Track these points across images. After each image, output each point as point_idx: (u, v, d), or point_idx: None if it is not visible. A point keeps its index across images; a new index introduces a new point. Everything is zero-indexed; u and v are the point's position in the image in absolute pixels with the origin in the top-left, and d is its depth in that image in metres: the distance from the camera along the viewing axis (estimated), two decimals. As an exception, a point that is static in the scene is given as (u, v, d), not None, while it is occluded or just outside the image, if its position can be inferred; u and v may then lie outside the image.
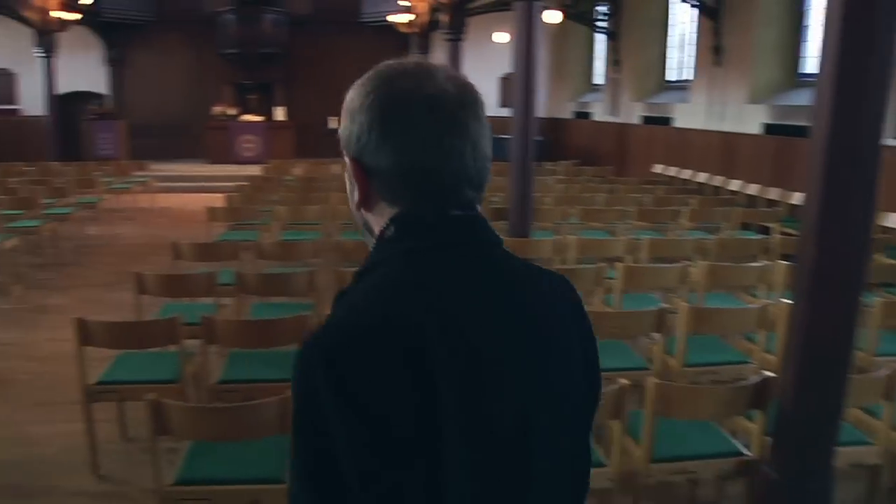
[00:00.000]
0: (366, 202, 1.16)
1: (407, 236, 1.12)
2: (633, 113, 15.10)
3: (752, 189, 11.00)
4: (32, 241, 9.25)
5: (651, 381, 3.09)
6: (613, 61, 15.68)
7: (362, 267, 1.16)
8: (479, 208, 1.18)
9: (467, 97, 1.15)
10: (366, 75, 1.16)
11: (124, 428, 4.44)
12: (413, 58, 1.17)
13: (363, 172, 1.14)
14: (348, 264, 6.02)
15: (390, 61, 1.16)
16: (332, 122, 19.43)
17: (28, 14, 15.35)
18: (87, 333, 3.91)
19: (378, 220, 1.16)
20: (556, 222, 8.41)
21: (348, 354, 1.02)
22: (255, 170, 14.78)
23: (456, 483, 1.03)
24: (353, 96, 1.15)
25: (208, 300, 5.13)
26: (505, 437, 1.09)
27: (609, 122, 16.02)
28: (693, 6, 12.36)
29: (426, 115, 1.10)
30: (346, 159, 1.16)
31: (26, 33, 16.58)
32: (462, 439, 1.04)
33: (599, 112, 16.72)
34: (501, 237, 1.19)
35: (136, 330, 4.16)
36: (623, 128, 15.46)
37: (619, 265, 5.41)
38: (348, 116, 1.15)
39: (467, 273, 1.11)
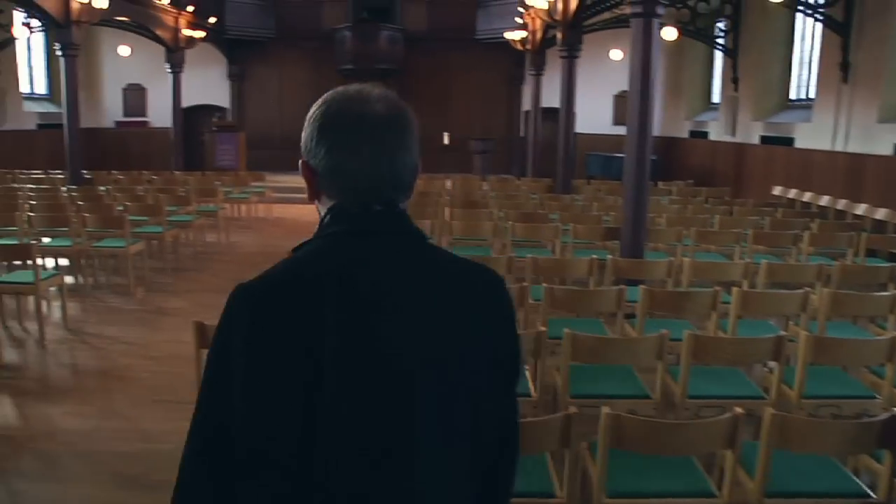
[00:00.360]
0: (316, 195, 1.45)
1: (336, 223, 1.39)
2: (751, 132, 14.62)
3: (881, 214, 10.40)
4: (155, 246, 9.71)
5: (768, 412, 2.95)
6: (732, 79, 15.24)
7: (300, 243, 1.43)
8: (404, 206, 1.44)
9: (393, 118, 1.40)
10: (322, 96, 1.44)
11: (235, 430, 4.57)
12: (360, 85, 1.44)
13: (310, 172, 1.42)
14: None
15: (341, 87, 1.43)
16: (447, 138, 19.61)
17: (160, 32, 16.23)
18: (205, 336, 4.05)
19: (323, 210, 1.45)
20: (669, 244, 8.22)
21: (262, 296, 1.32)
22: (368, 183, 15.06)
23: (329, 426, 1.27)
24: (309, 113, 1.42)
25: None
26: (384, 393, 1.30)
27: (726, 142, 15.56)
28: (818, 21, 11.89)
29: (352, 130, 1.37)
30: (300, 161, 1.44)
31: (157, 50, 17.53)
32: (339, 387, 1.27)
33: (716, 131, 16.27)
34: (423, 232, 1.45)
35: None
36: (741, 148, 14.99)
37: (735, 290, 5.21)
38: (304, 128, 1.42)
39: (376, 252, 1.36)
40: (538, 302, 5.29)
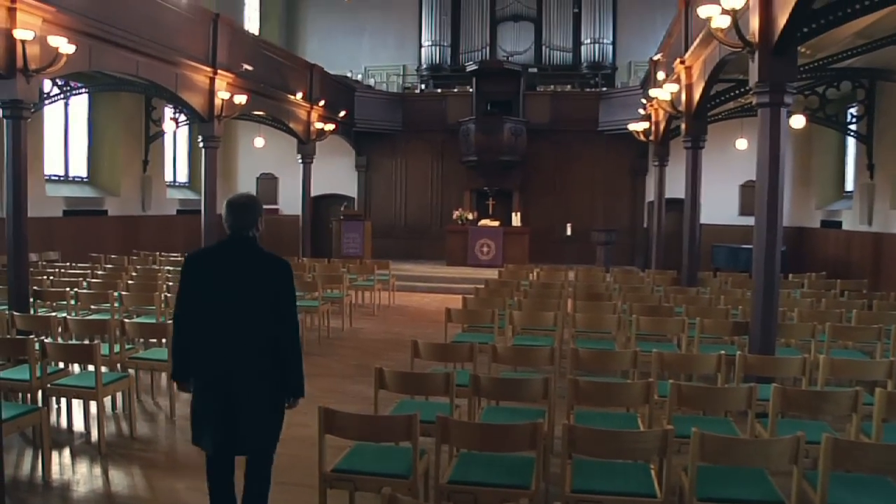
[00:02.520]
0: (225, 229, 3.99)
1: (226, 238, 4.00)
2: (891, 221, 13.91)
3: None
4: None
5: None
6: (867, 166, 14.66)
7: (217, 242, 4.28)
8: (251, 233, 3.98)
9: (244, 204, 3.98)
10: None
11: (354, 517, 4.58)
12: (241, 192, 4.15)
13: (223, 220, 3.99)
14: (581, 373, 5.92)
15: (234, 194, 4.11)
16: (569, 229, 19.60)
17: (294, 125, 17.16)
18: (329, 422, 4.13)
19: None
20: (802, 339, 7.84)
21: (190, 257, 4.07)
22: (491, 273, 15.13)
23: (200, 321, 3.96)
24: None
25: (443, 399, 5.23)
26: (218, 311, 3.91)
27: (862, 232, 14.87)
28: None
29: (229, 208, 3.96)
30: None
31: (289, 142, 18.55)
32: (203, 303, 3.94)
33: (850, 220, 15.60)
34: (255, 242, 4.01)
35: (376, 423, 4.33)
36: (879, 237, 14.27)
37: (878, 390, 4.88)
38: None
39: (226, 250, 4.00)
40: (664, 398, 5.14)
